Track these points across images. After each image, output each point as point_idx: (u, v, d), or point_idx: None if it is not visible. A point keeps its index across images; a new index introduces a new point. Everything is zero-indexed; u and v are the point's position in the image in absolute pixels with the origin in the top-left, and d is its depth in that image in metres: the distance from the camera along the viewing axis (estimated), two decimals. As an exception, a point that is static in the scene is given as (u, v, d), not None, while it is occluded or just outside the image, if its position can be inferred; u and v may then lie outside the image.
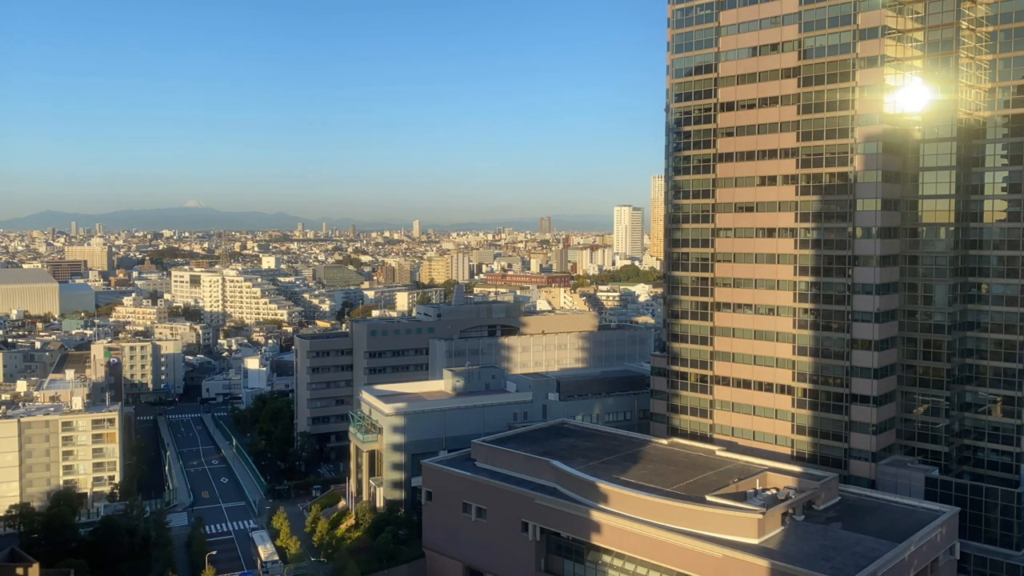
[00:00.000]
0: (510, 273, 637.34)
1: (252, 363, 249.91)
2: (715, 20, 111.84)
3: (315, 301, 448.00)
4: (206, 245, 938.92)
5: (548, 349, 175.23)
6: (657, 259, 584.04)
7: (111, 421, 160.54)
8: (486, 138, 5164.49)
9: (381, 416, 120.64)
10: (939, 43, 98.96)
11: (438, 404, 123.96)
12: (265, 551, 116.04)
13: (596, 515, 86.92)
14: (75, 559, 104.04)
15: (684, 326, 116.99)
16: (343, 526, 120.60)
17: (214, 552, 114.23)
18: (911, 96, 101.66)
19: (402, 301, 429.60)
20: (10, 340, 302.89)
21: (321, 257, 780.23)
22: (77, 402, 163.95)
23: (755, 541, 78.54)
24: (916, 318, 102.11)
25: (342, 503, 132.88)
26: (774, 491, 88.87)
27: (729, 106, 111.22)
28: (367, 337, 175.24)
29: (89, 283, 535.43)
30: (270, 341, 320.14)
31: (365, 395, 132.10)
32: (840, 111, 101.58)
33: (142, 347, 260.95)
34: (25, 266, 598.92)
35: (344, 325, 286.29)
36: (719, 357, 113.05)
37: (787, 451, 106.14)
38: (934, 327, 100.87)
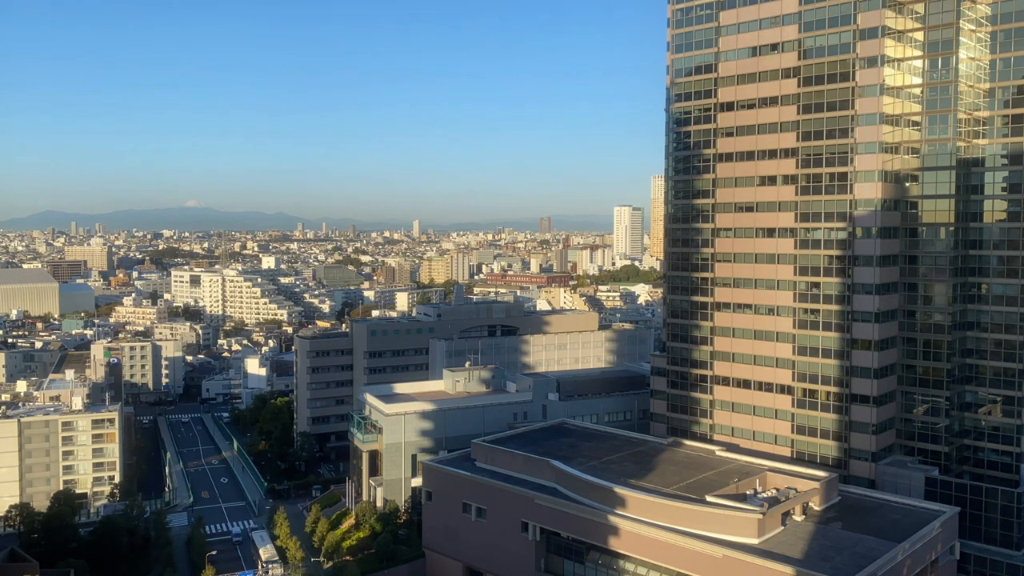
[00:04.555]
0: (510, 273, 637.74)
1: (252, 363, 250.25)
2: (715, 20, 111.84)
3: (315, 301, 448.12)
4: (206, 245, 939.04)
5: (548, 349, 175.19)
6: (657, 259, 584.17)
7: (111, 421, 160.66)
8: (486, 138, 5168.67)
9: (381, 416, 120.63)
10: (939, 43, 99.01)
11: (438, 404, 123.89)
12: (265, 551, 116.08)
13: (596, 515, 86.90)
14: (75, 559, 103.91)
15: (684, 326, 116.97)
16: (343, 526, 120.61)
17: (214, 552, 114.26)
18: (911, 96, 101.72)
19: (402, 301, 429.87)
20: (10, 340, 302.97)
21: (321, 257, 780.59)
22: (77, 402, 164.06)
23: (755, 541, 78.54)
24: (916, 318, 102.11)
25: (343, 503, 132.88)
26: (774, 491, 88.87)
27: (729, 106, 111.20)
28: (367, 337, 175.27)
29: (89, 283, 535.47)
30: (270, 341, 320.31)
31: (365, 395, 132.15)
32: (840, 111, 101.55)
33: (142, 347, 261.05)
34: (25, 266, 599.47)
35: (344, 325, 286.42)
36: (719, 357, 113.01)
37: (787, 451, 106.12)
38: (934, 327, 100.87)
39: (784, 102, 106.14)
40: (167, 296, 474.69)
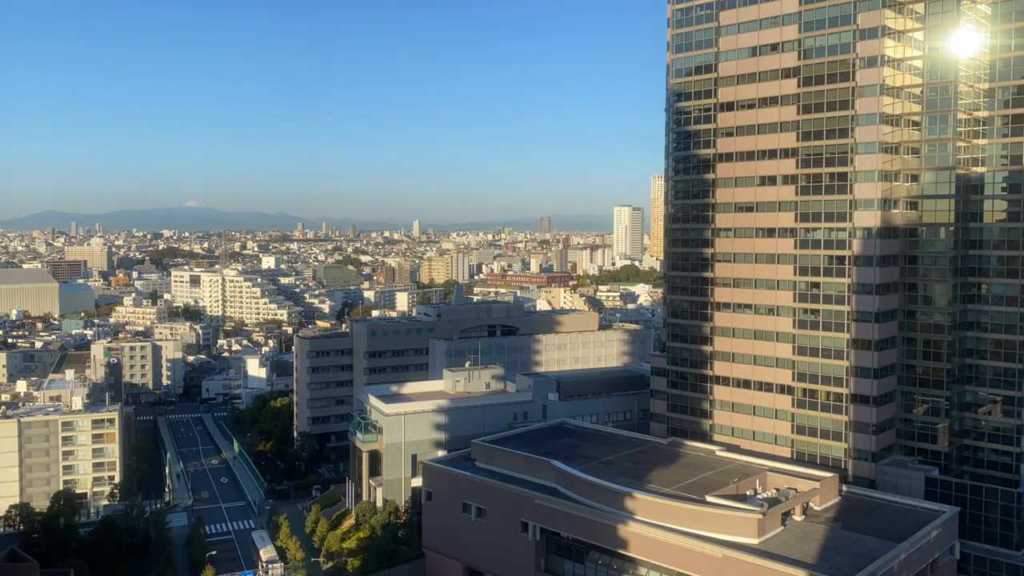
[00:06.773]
0: (510, 273, 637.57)
1: (252, 363, 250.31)
2: (715, 20, 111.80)
3: (315, 301, 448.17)
4: (206, 245, 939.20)
5: (548, 349, 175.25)
6: (657, 259, 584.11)
7: (111, 421, 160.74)
8: (486, 138, 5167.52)
9: (381, 416, 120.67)
10: (939, 43, 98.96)
11: (438, 404, 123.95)
12: (265, 552, 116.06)
13: (596, 515, 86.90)
14: (75, 559, 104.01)
15: (684, 326, 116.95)
16: (343, 526, 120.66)
17: (214, 552, 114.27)
18: (911, 96, 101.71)
19: (402, 301, 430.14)
20: (10, 340, 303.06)
21: (321, 257, 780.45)
22: (77, 402, 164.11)
23: (755, 541, 78.55)
24: (916, 318, 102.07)
25: (343, 503, 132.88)
26: (774, 491, 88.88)
27: (729, 106, 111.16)
28: (367, 337, 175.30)
29: (89, 283, 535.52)
30: (270, 341, 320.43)
31: (366, 395, 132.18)
32: (840, 111, 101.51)
33: (142, 347, 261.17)
34: (25, 266, 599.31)
35: (344, 325, 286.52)
36: (719, 357, 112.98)
37: (787, 451, 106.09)
38: (934, 327, 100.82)
39: (784, 102, 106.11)
40: (167, 296, 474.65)
